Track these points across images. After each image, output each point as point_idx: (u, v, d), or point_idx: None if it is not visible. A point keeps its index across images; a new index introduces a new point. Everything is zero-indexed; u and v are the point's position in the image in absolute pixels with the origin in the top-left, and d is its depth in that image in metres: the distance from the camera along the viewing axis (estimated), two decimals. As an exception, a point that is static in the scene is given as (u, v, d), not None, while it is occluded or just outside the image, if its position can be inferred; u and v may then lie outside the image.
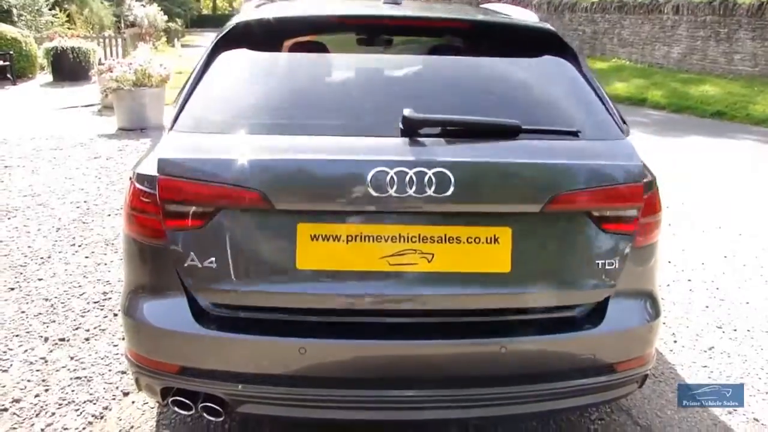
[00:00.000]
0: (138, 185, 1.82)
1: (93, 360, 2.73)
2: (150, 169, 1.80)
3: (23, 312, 3.14)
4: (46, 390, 2.52)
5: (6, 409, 2.39)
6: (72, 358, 2.74)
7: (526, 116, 1.85)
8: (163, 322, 1.83)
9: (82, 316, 3.11)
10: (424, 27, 2.26)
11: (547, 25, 2.21)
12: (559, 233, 1.81)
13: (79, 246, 4.01)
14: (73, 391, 2.52)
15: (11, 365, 2.68)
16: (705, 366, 2.83)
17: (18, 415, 2.36)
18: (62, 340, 2.89)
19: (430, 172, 1.66)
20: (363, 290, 1.76)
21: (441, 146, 1.75)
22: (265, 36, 2.10)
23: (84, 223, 4.44)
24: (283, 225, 1.73)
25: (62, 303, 3.24)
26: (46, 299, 3.28)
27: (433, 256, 1.73)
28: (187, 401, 1.84)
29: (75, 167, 5.95)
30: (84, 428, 2.31)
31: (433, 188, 1.66)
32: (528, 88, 2.04)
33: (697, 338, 3.07)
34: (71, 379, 2.59)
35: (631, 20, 15.52)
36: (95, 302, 3.26)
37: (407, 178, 1.65)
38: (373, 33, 2.26)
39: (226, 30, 2.11)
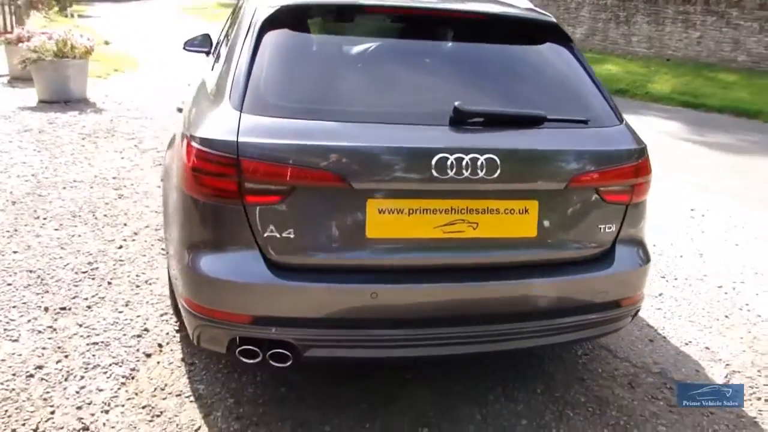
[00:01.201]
0: (204, 148, 1.93)
1: (104, 327, 2.77)
2: (215, 134, 1.93)
3: (9, 284, 3.08)
4: (66, 356, 2.54)
5: (32, 375, 2.41)
6: (81, 326, 2.76)
7: (544, 105, 2.17)
8: (238, 275, 1.96)
9: (76, 286, 3.10)
10: (453, 18, 2.41)
11: (550, 17, 2.47)
12: (572, 204, 2.14)
13: (45, 219, 3.90)
14: (93, 355, 2.56)
15: (20, 335, 2.67)
16: (659, 309, 3.27)
17: (47, 380, 2.39)
18: (63, 308, 2.89)
19: (482, 158, 1.93)
20: (423, 252, 2.03)
21: (487, 134, 2.03)
22: (309, 20, 2.24)
23: (40, 196, 4.30)
24: (355, 201, 1.94)
25: (48, 274, 3.20)
26: (30, 271, 3.22)
27: (477, 225, 2.01)
28: (255, 349, 1.99)
29: (8, 141, 5.65)
30: (118, 388, 2.38)
31: (484, 171, 1.94)
32: (542, 77, 2.33)
33: (648, 286, 3.51)
34: (87, 345, 2.63)
35: (537, 3, 16.25)
36: (83, 272, 3.25)
37: (464, 163, 1.92)
38: (408, 22, 2.38)
39: (271, 11, 2.19)
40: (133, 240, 3.71)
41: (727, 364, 2.79)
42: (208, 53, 4.21)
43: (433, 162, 1.91)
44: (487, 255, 2.09)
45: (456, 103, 1.98)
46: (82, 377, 2.42)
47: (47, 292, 3.03)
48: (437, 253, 2.04)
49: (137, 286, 3.15)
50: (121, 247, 3.60)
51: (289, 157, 1.90)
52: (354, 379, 2.47)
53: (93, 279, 3.19)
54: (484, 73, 2.26)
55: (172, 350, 2.64)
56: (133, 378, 2.44)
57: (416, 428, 2.25)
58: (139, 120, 6.72)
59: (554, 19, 2.43)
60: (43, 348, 2.59)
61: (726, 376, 2.71)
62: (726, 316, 3.20)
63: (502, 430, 2.28)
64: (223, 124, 1.96)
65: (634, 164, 2.18)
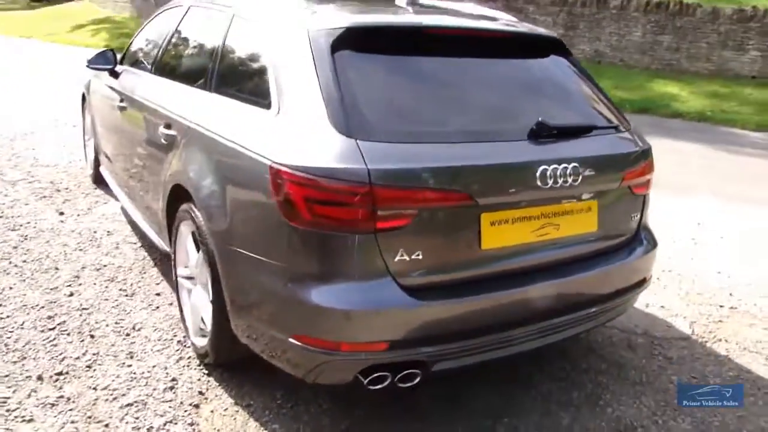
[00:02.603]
0: (324, 178, 1.88)
1: (124, 385, 2.47)
2: (335, 162, 1.89)
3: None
4: (106, 425, 2.25)
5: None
6: (96, 389, 2.44)
7: (581, 114, 2.42)
8: (374, 303, 1.93)
9: (54, 346, 2.70)
10: (499, 38, 2.56)
11: (554, 34, 2.72)
12: (617, 199, 2.43)
13: None
14: (137, 418, 2.29)
15: (31, 414, 2.28)
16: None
17: None
18: (61, 373, 2.51)
19: (569, 166, 2.13)
20: (522, 256, 2.18)
21: (565, 144, 2.24)
22: (377, 41, 2.23)
23: None
24: (471, 216, 2.03)
25: (11, 339, 2.74)
26: None
27: (559, 226, 2.21)
28: (385, 374, 1.97)
29: None
30: None
31: (571, 178, 2.13)
32: (570, 88, 2.56)
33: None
34: (121, 408, 2.34)
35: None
36: (51, 329, 2.83)
37: (558, 173, 2.10)
38: (461, 43, 2.43)
39: (340, 32, 2.16)
40: (80, 284, 3.28)
41: (685, 317, 3.33)
42: (111, 71, 3.87)
43: (537, 173, 2.07)
44: (566, 251, 2.29)
45: (539, 119, 2.16)
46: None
47: (25, 358, 2.61)
48: (531, 255, 2.21)
49: (127, 335, 2.83)
50: (72, 294, 3.18)
51: (419, 180, 1.93)
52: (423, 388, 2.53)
53: (68, 335, 2.80)
54: (533, 87, 2.45)
55: (217, 395, 2.45)
56: (199, 433, 2.24)
57: (496, 420, 2.39)
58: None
59: (557, 36, 2.70)
60: (72, 422, 2.25)
61: (690, 326, 3.24)
62: (658, 278, 3.79)
63: (563, 404, 2.51)
64: (337, 152, 1.91)
65: (650, 160, 2.53)
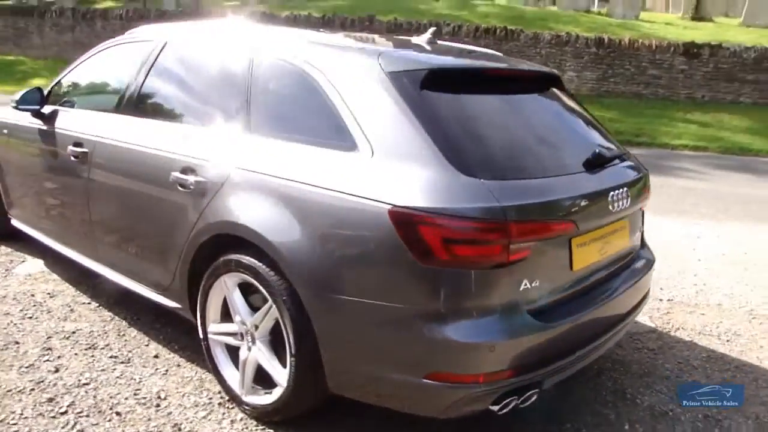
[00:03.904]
0: (460, 218, 1.94)
1: None
2: (468, 202, 1.95)
3: None
4: None
5: None
6: None
7: (606, 144, 2.66)
8: (512, 332, 2.02)
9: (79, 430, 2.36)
10: (529, 77, 2.78)
11: (554, 71, 3.00)
12: (635, 217, 2.73)
13: None
14: None
15: None
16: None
17: None
18: None
19: (624, 191, 2.41)
20: (594, 274, 2.41)
21: (615, 171, 2.51)
22: (451, 83, 2.31)
23: None
24: (565, 241, 2.20)
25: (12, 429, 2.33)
26: (-15, 437, 2.29)
27: (610, 244, 2.48)
28: (514, 398, 2.07)
29: None
30: None
31: (626, 201, 2.41)
32: (583, 120, 2.77)
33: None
34: None
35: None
36: (61, 413, 2.45)
37: (619, 196, 2.36)
38: (512, 83, 2.60)
39: (425, 73, 2.23)
40: (58, 357, 2.87)
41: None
42: (36, 112, 3.48)
43: (609, 198, 2.30)
44: (614, 267, 2.56)
45: (596, 150, 2.41)
46: None
47: (54, 451, 2.24)
48: (598, 273, 2.43)
49: (157, 407, 2.55)
50: (57, 370, 2.77)
51: (542, 213, 2.06)
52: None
53: (88, 416, 2.45)
54: (563, 120, 2.67)
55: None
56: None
57: (561, 425, 2.57)
58: None
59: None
60: None
61: (650, 320, 3.70)
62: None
63: (602, 403, 2.77)
64: (466, 191, 1.97)
65: (648, 182, 2.90)
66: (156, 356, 2.94)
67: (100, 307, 3.39)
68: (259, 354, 2.42)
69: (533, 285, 2.08)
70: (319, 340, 2.16)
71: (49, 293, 3.53)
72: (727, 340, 3.50)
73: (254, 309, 2.45)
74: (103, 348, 2.98)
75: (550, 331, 2.12)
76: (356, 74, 2.30)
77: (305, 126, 2.39)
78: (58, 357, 2.88)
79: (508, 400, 2.07)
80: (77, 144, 3.15)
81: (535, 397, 2.16)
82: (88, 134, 3.12)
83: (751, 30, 15.95)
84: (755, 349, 3.41)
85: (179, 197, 2.60)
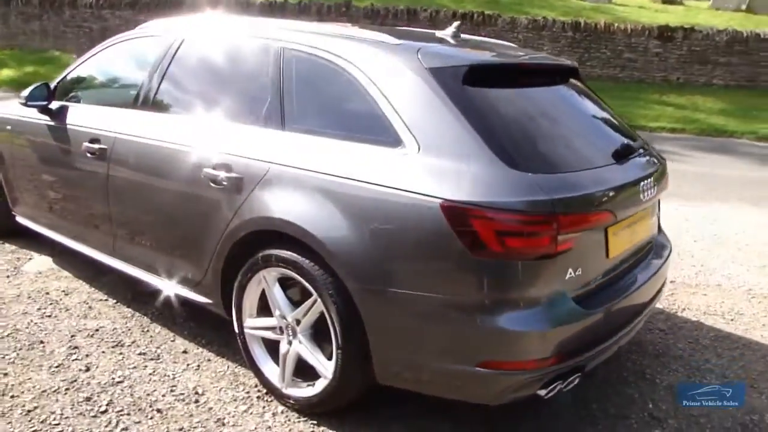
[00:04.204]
0: (514, 211, 2.00)
1: None
2: (520, 195, 2.01)
3: None
4: None
5: None
6: None
7: (628, 134, 2.72)
8: (561, 320, 2.11)
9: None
10: (555, 70, 2.83)
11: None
12: (655, 205, 2.80)
13: None
14: None
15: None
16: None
17: None
18: None
19: (651, 180, 2.49)
20: (626, 260, 2.50)
21: (641, 162, 2.58)
22: (489, 78, 2.34)
23: None
24: (602, 231, 2.27)
25: None
26: None
27: (638, 233, 2.57)
28: (560, 383, 2.16)
29: None
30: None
31: (653, 190, 2.50)
32: (601, 110, 2.81)
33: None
34: None
35: (148, 17, 15.63)
36: None
37: (649, 185, 2.45)
38: (543, 76, 2.67)
39: (465, 69, 2.28)
40: (87, 356, 2.86)
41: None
42: (45, 107, 3.43)
43: (640, 188, 2.39)
44: (639, 254, 2.64)
45: (625, 141, 2.49)
46: None
47: None
48: (627, 260, 2.51)
49: (197, 402, 2.56)
50: (88, 369, 2.76)
51: (587, 205, 2.13)
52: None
53: (129, 415, 2.45)
54: (587, 111, 2.72)
55: None
56: None
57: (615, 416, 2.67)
58: None
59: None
60: None
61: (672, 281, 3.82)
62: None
63: (624, 383, 2.87)
64: (517, 185, 2.02)
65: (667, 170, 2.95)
66: (185, 352, 2.95)
67: (119, 304, 3.37)
68: (302, 348, 2.45)
69: (576, 274, 2.15)
70: (369, 332, 2.20)
71: (63, 291, 3.49)
72: (731, 320, 3.64)
73: (293, 303, 2.48)
74: (130, 345, 2.97)
75: (592, 317, 2.20)
76: (396, 70, 2.31)
77: (344, 122, 2.41)
78: (86, 355, 2.86)
79: (554, 385, 2.15)
80: (94, 140, 3.11)
81: (577, 381, 2.24)
82: (106, 130, 3.08)
83: (720, 13, 16.29)
84: (758, 327, 3.56)
85: (212, 193, 2.60)
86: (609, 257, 2.32)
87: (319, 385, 2.41)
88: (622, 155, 2.47)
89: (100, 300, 3.41)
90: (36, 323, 3.13)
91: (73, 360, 2.82)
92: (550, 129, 2.42)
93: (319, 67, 2.50)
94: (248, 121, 2.62)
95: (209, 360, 2.88)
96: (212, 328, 3.10)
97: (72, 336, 3.02)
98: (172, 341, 3.04)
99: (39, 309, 3.28)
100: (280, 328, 2.52)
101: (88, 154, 3.13)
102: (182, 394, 2.61)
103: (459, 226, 2.01)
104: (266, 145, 2.49)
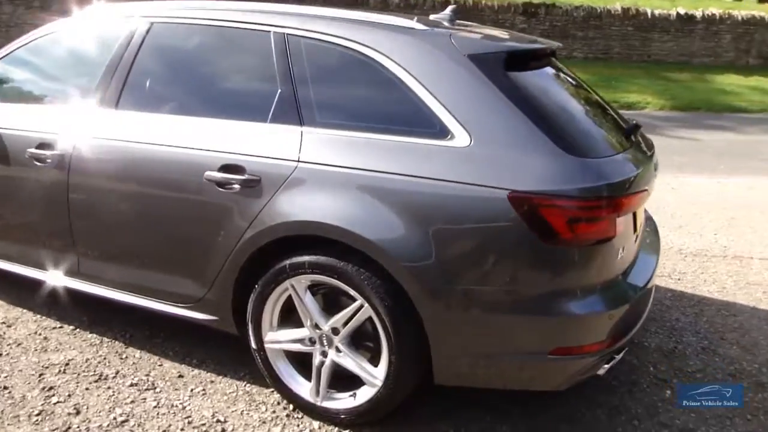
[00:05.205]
0: (582, 198, 1.99)
1: None
2: (583, 182, 2.00)
3: None
4: None
5: None
6: None
7: (620, 116, 2.80)
8: (622, 301, 2.18)
9: None
10: (551, 53, 2.75)
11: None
12: None
13: None
14: None
15: None
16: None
17: None
18: None
19: (656, 156, 2.58)
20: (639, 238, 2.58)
21: (645, 141, 2.65)
22: (517, 64, 2.28)
23: None
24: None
25: None
26: None
27: (641, 209, 2.61)
28: (613, 359, 2.23)
29: None
30: None
31: (658, 165, 2.58)
32: (592, 92, 2.85)
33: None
34: None
35: None
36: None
37: (657, 162, 2.54)
38: (541, 59, 2.57)
39: (504, 56, 2.24)
40: (69, 396, 2.47)
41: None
42: None
43: (653, 165, 2.48)
44: (645, 232, 2.76)
45: (633, 121, 2.57)
46: None
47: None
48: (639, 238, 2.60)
49: (222, 431, 2.32)
50: (78, 412, 2.39)
51: (635, 186, 2.16)
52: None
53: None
54: (590, 94, 2.75)
55: None
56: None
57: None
58: None
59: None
60: None
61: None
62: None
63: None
64: (579, 172, 2.01)
65: None
66: (180, 376, 2.65)
67: (78, 330, 2.96)
68: (342, 357, 2.30)
69: (622, 254, 2.21)
70: (430, 333, 2.10)
71: (4, 322, 3.00)
72: (679, 279, 3.95)
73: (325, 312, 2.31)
74: (114, 376, 2.62)
75: (639, 295, 2.28)
76: (433, 58, 2.20)
77: (376, 114, 2.25)
78: (68, 395, 2.48)
79: (610, 363, 2.21)
80: (44, 145, 2.66)
81: (615, 362, 2.31)
82: (60, 133, 2.65)
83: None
84: (702, 284, 3.90)
85: (218, 199, 2.33)
86: (635, 232, 2.40)
87: (365, 394, 2.29)
88: (629, 133, 2.54)
89: (54, 328, 2.97)
90: (-12, 364, 2.66)
91: (54, 404, 2.43)
92: (578, 113, 2.43)
93: (338, 55, 2.31)
94: (254, 118, 2.37)
95: (212, 381, 2.62)
96: (198, 345, 2.83)
97: (40, 375, 2.61)
98: (160, 366, 2.72)
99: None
100: (310, 339, 2.34)
101: (37, 162, 2.68)
102: (203, 424, 2.35)
103: (529, 216, 1.97)
104: (285, 143, 2.26)
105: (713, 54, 14.65)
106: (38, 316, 3.07)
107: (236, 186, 2.28)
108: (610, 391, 2.69)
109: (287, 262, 2.25)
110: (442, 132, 2.10)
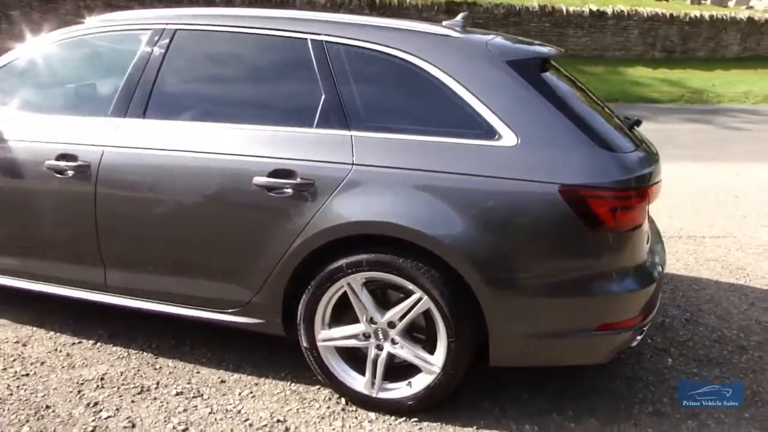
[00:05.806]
0: (620, 188, 2.21)
1: None
2: (619, 175, 2.23)
3: None
4: None
5: None
6: None
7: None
8: (654, 279, 2.42)
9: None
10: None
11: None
12: None
13: None
14: None
15: None
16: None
17: None
18: None
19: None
20: None
21: (645, 141, 2.84)
22: (541, 68, 2.46)
23: None
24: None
25: None
26: None
27: None
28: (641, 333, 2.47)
29: None
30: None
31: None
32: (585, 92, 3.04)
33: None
34: None
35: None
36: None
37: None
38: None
39: (537, 61, 2.45)
40: (117, 410, 2.44)
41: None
42: None
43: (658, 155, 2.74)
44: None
45: (636, 117, 2.82)
46: None
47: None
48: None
49: (287, 430, 2.37)
50: (133, 425, 2.37)
51: (653, 177, 2.40)
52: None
53: (228, 460, 2.20)
54: (587, 95, 2.96)
55: (455, 433, 2.41)
56: None
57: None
58: None
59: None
60: None
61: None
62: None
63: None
64: (615, 165, 2.25)
65: None
66: (222, 381, 2.67)
67: (100, 344, 2.90)
68: (398, 349, 2.42)
69: (647, 239, 2.46)
70: (489, 318, 2.26)
71: (18, 341, 2.89)
72: (647, 258, 4.31)
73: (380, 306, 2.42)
74: (157, 387, 2.60)
75: (660, 274, 2.53)
76: (475, 64, 2.35)
77: (424, 118, 2.38)
78: (117, 410, 2.45)
79: (640, 336, 2.45)
80: (65, 156, 2.60)
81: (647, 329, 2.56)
82: (84, 143, 2.60)
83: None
84: (674, 262, 4.27)
85: (268, 204, 2.38)
86: (648, 218, 2.66)
87: (422, 381, 2.42)
88: (630, 128, 2.79)
89: (73, 344, 2.89)
90: (17, 386, 2.57)
91: (105, 419, 2.40)
92: (596, 111, 2.64)
93: (380, 62, 2.42)
94: (299, 123, 2.43)
95: (256, 384, 2.66)
96: (227, 350, 2.87)
97: (78, 391, 2.55)
98: (198, 373, 2.72)
99: (4, 369, 2.68)
100: (365, 334, 2.44)
101: (57, 175, 2.60)
102: (265, 425, 2.40)
103: (578, 207, 2.17)
104: (337, 147, 2.34)
105: (623, 48, 15.68)
106: (51, 333, 2.97)
107: (288, 190, 2.34)
108: (622, 364, 2.95)
109: (343, 261, 2.34)
110: (490, 133, 2.26)
